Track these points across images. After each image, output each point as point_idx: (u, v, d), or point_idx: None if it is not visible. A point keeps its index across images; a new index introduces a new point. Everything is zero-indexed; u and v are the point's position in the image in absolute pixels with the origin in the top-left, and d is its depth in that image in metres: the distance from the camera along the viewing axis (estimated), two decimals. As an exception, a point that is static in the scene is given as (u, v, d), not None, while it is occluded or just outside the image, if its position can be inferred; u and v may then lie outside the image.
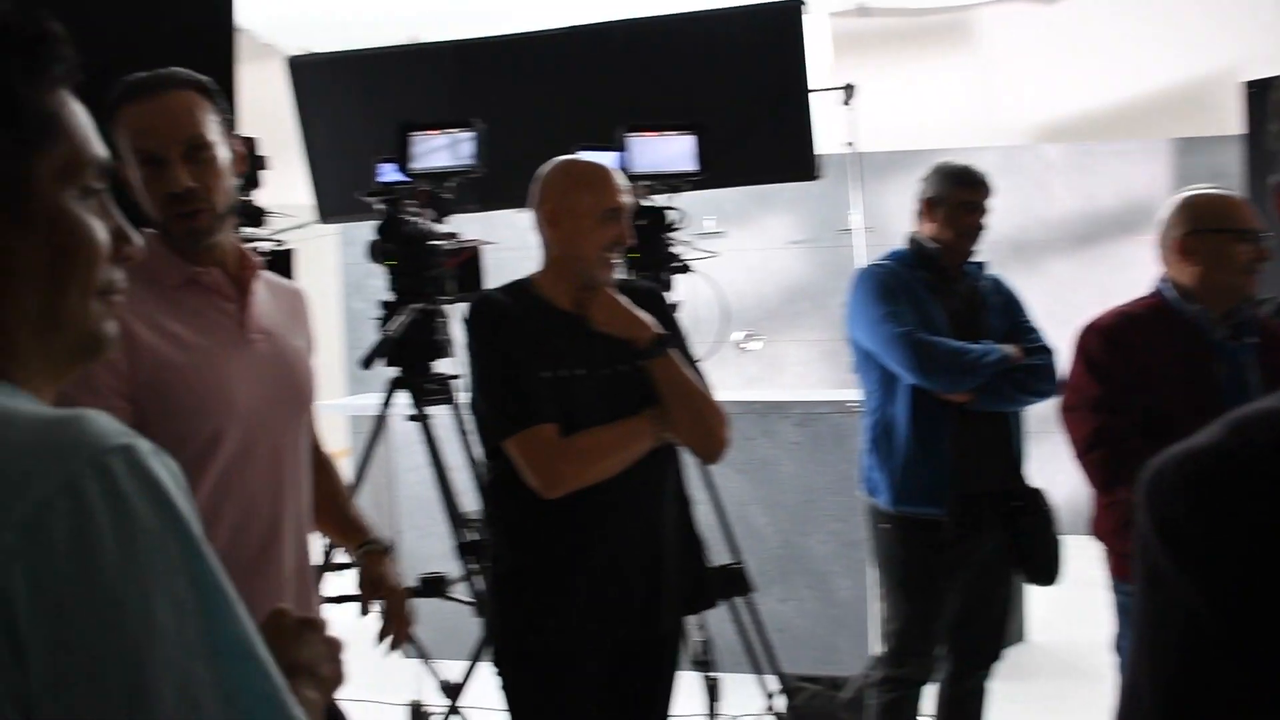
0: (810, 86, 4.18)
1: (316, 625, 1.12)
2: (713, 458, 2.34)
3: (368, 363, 2.82)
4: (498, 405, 2.20)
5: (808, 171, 4.20)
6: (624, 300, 2.22)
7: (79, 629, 0.72)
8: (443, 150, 3.12)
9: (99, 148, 0.92)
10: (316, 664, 1.08)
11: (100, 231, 0.91)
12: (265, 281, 1.92)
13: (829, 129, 4.45)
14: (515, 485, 2.17)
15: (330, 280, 6.59)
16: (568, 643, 2.24)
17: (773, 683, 3.54)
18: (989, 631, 3.20)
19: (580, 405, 2.19)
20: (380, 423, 3.13)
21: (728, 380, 6.71)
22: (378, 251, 3.07)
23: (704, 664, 3.45)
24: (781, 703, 3.54)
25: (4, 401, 0.82)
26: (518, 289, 2.30)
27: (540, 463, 2.14)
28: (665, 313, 2.35)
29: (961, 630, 3.16)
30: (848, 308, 3.22)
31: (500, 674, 2.30)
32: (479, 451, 2.42)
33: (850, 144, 4.58)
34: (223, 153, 1.78)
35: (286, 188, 4.52)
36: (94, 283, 0.91)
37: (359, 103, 4.23)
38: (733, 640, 3.75)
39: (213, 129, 1.76)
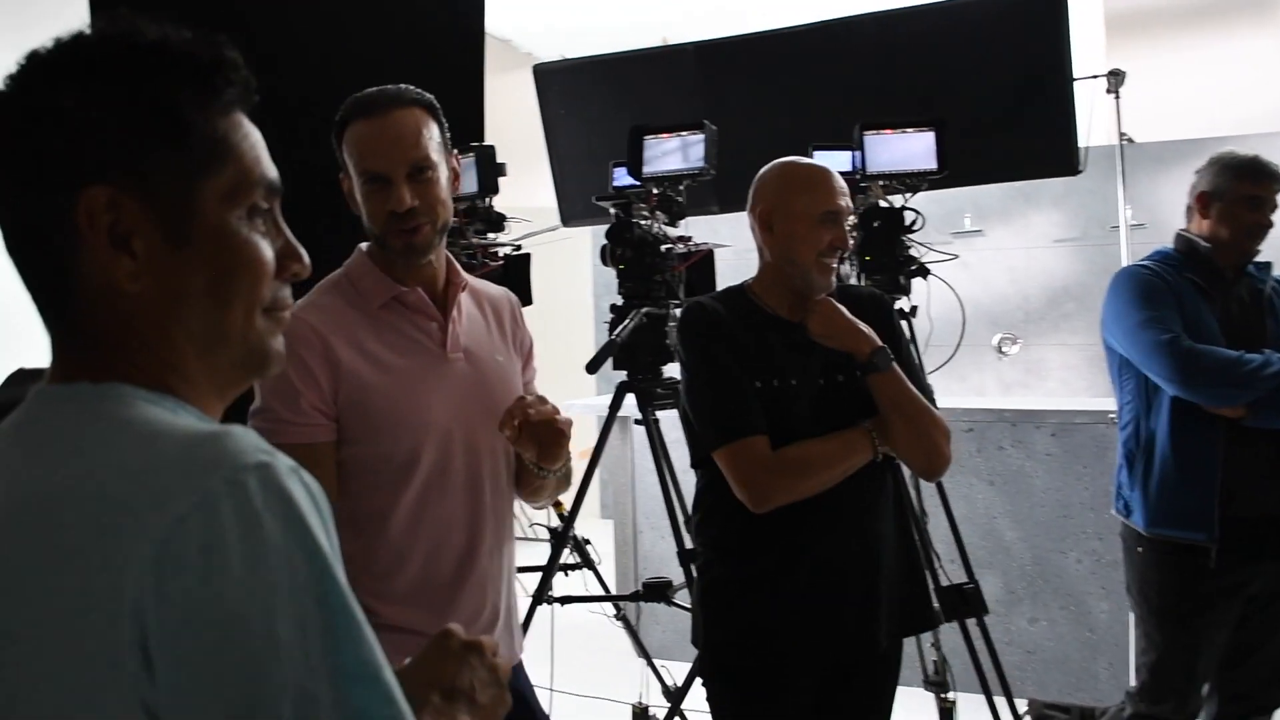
0: (1074, 74, 3.90)
1: (482, 650, 1.11)
2: (934, 474, 2.23)
3: (593, 367, 2.84)
4: (707, 416, 2.16)
5: (1069, 166, 3.92)
6: (843, 309, 2.13)
7: (203, 643, 0.74)
8: (674, 154, 3.11)
9: (269, 169, 0.95)
10: (477, 690, 1.09)
11: (266, 251, 0.93)
12: (472, 292, 1.94)
13: (1097, 119, 4.14)
14: (723, 495, 2.12)
15: (582, 282, 6.75)
16: (776, 661, 2.17)
17: (1016, 706, 3.32)
18: (1265, 675, 2.89)
19: (792, 417, 2.12)
20: (608, 425, 3.16)
21: (985, 385, 6.41)
22: (608, 255, 3.10)
23: (938, 685, 3.30)
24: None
25: (161, 416, 0.85)
26: (733, 295, 2.25)
27: (748, 476, 2.08)
28: (889, 320, 2.24)
29: (1231, 671, 2.87)
30: (1104, 312, 2.99)
31: (707, 687, 2.26)
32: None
33: (1124, 135, 4.25)
34: (443, 171, 1.81)
35: (536, 192, 4.67)
36: (258, 301, 0.93)
37: (602, 107, 4.29)
38: (971, 660, 3.58)
39: (435, 148, 1.80)
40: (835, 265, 2.17)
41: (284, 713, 0.74)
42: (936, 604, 2.87)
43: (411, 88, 1.84)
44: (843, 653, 2.17)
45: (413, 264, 1.81)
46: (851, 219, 2.22)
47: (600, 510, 6.74)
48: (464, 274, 1.91)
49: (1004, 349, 5.98)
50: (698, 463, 2.21)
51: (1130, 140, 4.36)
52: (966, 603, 2.84)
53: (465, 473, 1.84)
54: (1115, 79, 4.03)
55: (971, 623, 3.02)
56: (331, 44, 3.54)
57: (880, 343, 2.10)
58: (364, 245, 1.89)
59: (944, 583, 2.93)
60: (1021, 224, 6.36)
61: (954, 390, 6.25)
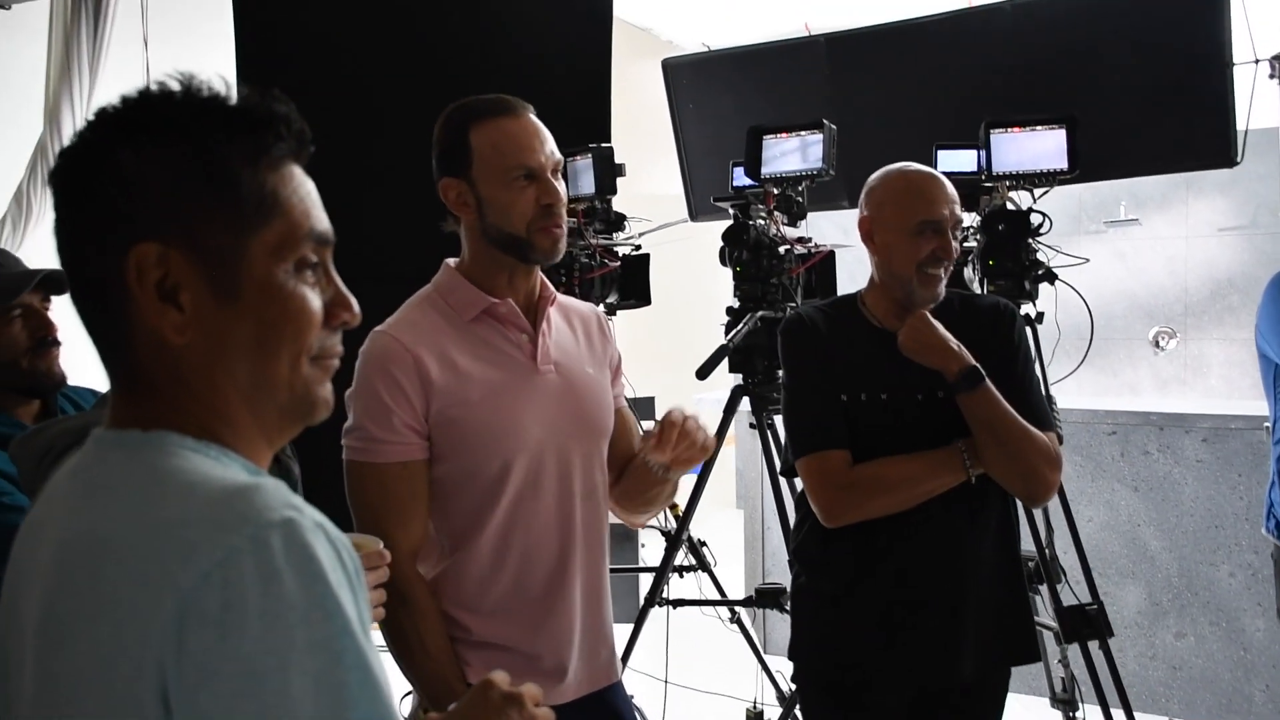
0: (1234, 59, 3.65)
1: (522, 702, 1.12)
2: (1034, 500, 2.11)
3: (703, 373, 2.82)
4: (792, 426, 2.14)
5: (1225, 157, 3.67)
6: (935, 325, 2.04)
7: (219, 696, 0.77)
8: (793, 154, 3.05)
9: (318, 221, 0.96)
10: None
11: (313, 302, 0.95)
12: (560, 307, 1.94)
13: (1263, 101, 3.87)
14: (810, 506, 2.10)
15: (717, 278, 6.72)
16: (859, 678, 2.12)
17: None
18: None
19: (881, 430, 2.06)
20: (722, 429, 3.13)
21: (1139, 381, 6.12)
22: (725, 257, 3.07)
23: (1066, 703, 3.17)
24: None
25: (201, 466, 0.88)
26: (841, 305, 2.21)
27: (820, 490, 2.05)
28: (1009, 332, 2.13)
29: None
30: (1259, 316, 2.81)
31: (801, 697, 2.24)
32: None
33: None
34: None
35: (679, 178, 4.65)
36: (305, 350, 0.94)
37: (731, 100, 4.25)
38: (1135, 676, 3.39)
39: None
40: (941, 275, 2.08)
41: None
42: (1056, 624, 2.76)
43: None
44: (923, 678, 2.10)
45: (553, 260, 1.82)
46: (967, 224, 2.12)
47: (735, 500, 6.72)
48: (552, 288, 1.92)
49: (1161, 343, 5.69)
50: (786, 471, 2.17)
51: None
52: (1089, 624, 2.71)
53: (557, 487, 1.83)
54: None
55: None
56: (465, 48, 3.61)
57: (971, 362, 2.00)
58: (451, 260, 1.90)
59: (1065, 602, 2.80)
60: (1182, 211, 6.03)
61: (1106, 386, 6.00)
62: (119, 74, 5.28)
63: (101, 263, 0.89)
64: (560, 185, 1.82)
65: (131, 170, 0.89)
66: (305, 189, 0.96)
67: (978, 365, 2.01)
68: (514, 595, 1.82)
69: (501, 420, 1.78)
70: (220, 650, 0.76)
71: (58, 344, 1.96)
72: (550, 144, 1.81)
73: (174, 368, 0.91)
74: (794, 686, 2.25)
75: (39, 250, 0.99)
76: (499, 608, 1.82)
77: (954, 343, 2.02)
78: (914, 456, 2.02)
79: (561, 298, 1.95)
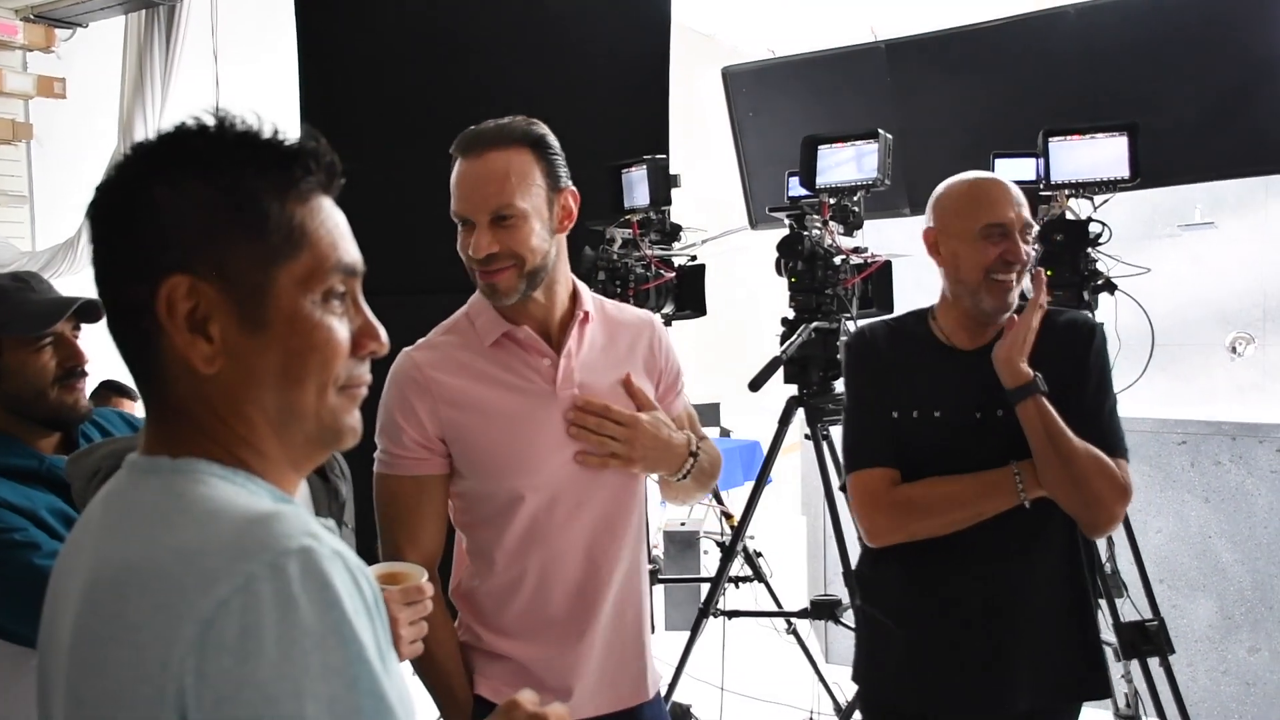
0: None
1: None
2: (1096, 530, 1.99)
3: (755, 384, 2.81)
4: (845, 443, 2.13)
5: (1296, 160, 3.59)
6: (1018, 336, 1.94)
7: None
8: (848, 163, 3.03)
9: (346, 253, 0.98)
10: None
11: (340, 333, 0.96)
12: (606, 321, 1.91)
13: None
14: None
15: (770, 290, 6.70)
16: (907, 704, 2.09)
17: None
18: None
19: (931, 449, 2.01)
20: (776, 441, 3.12)
21: (1215, 389, 5.96)
22: (780, 267, 3.06)
23: (1130, 718, 3.11)
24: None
25: (226, 494, 0.90)
26: (910, 320, 2.15)
27: (861, 509, 2.03)
28: (1086, 350, 2.02)
29: None
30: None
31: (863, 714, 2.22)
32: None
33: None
34: (535, 215, 1.75)
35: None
36: (331, 380, 0.96)
37: (791, 108, 4.23)
38: (1205, 692, 3.29)
39: (528, 192, 1.74)
40: (1011, 283, 1.98)
41: None
42: (1116, 641, 2.71)
43: (522, 121, 1.78)
44: (969, 711, 2.04)
45: (502, 305, 1.80)
46: (1034, 231, 2.05)
47: (800, 506, 6.69)
48: (598, 302, 1.89)
49: (1238, 349, 5.55)
50: (842, 487, 2.15)
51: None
52: (1149, 641, 2.64)
53: (578, 511, 1.82)
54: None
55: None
56: (523, 58, 3.64)
57: (1031, 375, 1.92)
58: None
59: (1125, 618, 2.74)
60: (1260, 215, 5.86)
61: (1180, 395, 5.85)
62: (190, 88, 5.42)
63: (134, 294, 0.92)
64: (522, 230, 1.74)
65: (165, 204, 0.91)
66: (334, 220, 0.98)
67: (1037, 375, 1.92)
68: (533, 613, 1.83)
69: (514, 447, 1.78)
70: (238, 675, 0.78)
71: (85, 375, 1.92)
72: (494, 191, 1.73)
73: (204, 396, 0.93)
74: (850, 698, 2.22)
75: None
76: (518, 625, 1.83)
77: (1015, 357, 1.94)
78: (962, 477, 1.96)
79: (612, 310, 1.93)
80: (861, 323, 2.33)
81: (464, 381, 1.80)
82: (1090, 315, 2.14)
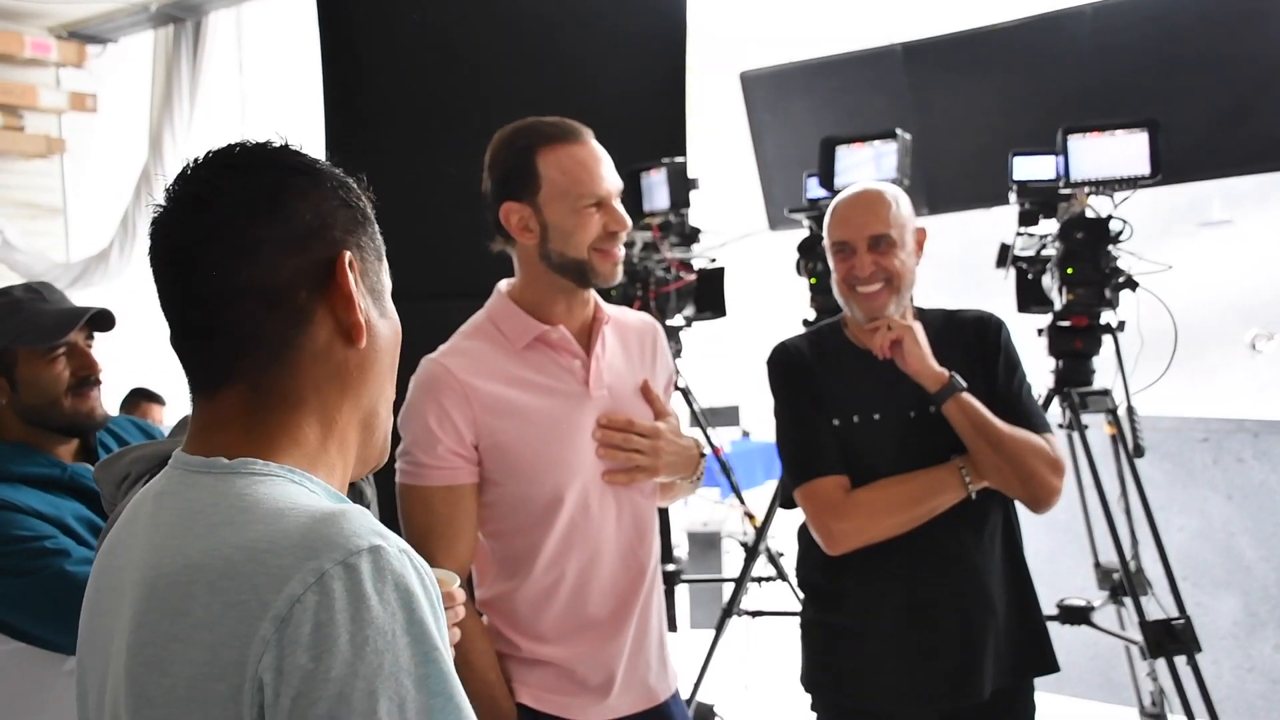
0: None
1: None
2: (1038, 504, 2.04)
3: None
4: (786, 457, 2.14)
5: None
6: (918, 339, 2.02)
7: (310, 718, 0.79)
8: (867, 164, 3.05)
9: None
10: None
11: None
12: (616, 325, 1.94)
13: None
14: (810, 537, 2.09)
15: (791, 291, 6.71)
16: (876, 706, 2.10)
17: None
18: None
19: (876, 453, 2.05)
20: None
21: (1237, 386, 5.95)
22: (800, 269, 3.09)
23: (1155, 717, 3.12)
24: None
25: (289, 493, 0.90)
26: (825, 331, 2.21)
27: (817, 519, 2.04)
28: (996, 342, 2.12)
29: None
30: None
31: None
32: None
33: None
34: None
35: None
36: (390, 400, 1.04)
37: (808, 111, 4.26)
38: (1231, 689, 3.29)
39: None
40: (875, 294, 2.05)
41: None
42: (1142, 640, 2.71)
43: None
44: (943, 701, 2.06)
45: (610, 282, 1.85)
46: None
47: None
48: (606, 308, 1.92)
49: (1258, 345, 5.53)
50: (785, 503, 2.16)
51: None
52: (1175, 639, 2.64)
53: (612, 510, 1.85)
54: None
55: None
56: (539, 62, 3.68)
57: (947, 375, 2.00)
58: (503, 286, 1.91)
59: (1150, 616, 2.75)
60: (1277, 210, 5.84)
61: (1200, 392, 5.84)
62: (216, 100, 5.50)
63: (293, 269, 0.93)
64: (622, 210, 1.84)
65: (312, 195, 0.96)
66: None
67: (953, 374, 2.00)
68: (571, 617, 1.84)
69: (553, 449, 1.79)
70: (313, 674, 0.79)
71: (99, 383, 1.93)
72: (612, 170, 1.84)
73: (317, 381, 0.95)
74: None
75: (146, 272, 1.05)
76: (556, 630, 1.83)
77: (929, 355, 2.02)
78: (912, 476, 2.02)
79: (615, 313, 1.96)
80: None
81: (500, 387, 1.80)
82: (991, 313, 2.20)
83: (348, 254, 0.95)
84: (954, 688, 2.05)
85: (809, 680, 2.19)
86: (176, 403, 4.07)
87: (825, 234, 2.14)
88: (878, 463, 2.04)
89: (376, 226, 1.01)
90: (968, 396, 2.00)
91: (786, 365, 2.16)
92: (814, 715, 2.21)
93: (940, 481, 2.01)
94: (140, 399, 4.54)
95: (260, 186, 0.94)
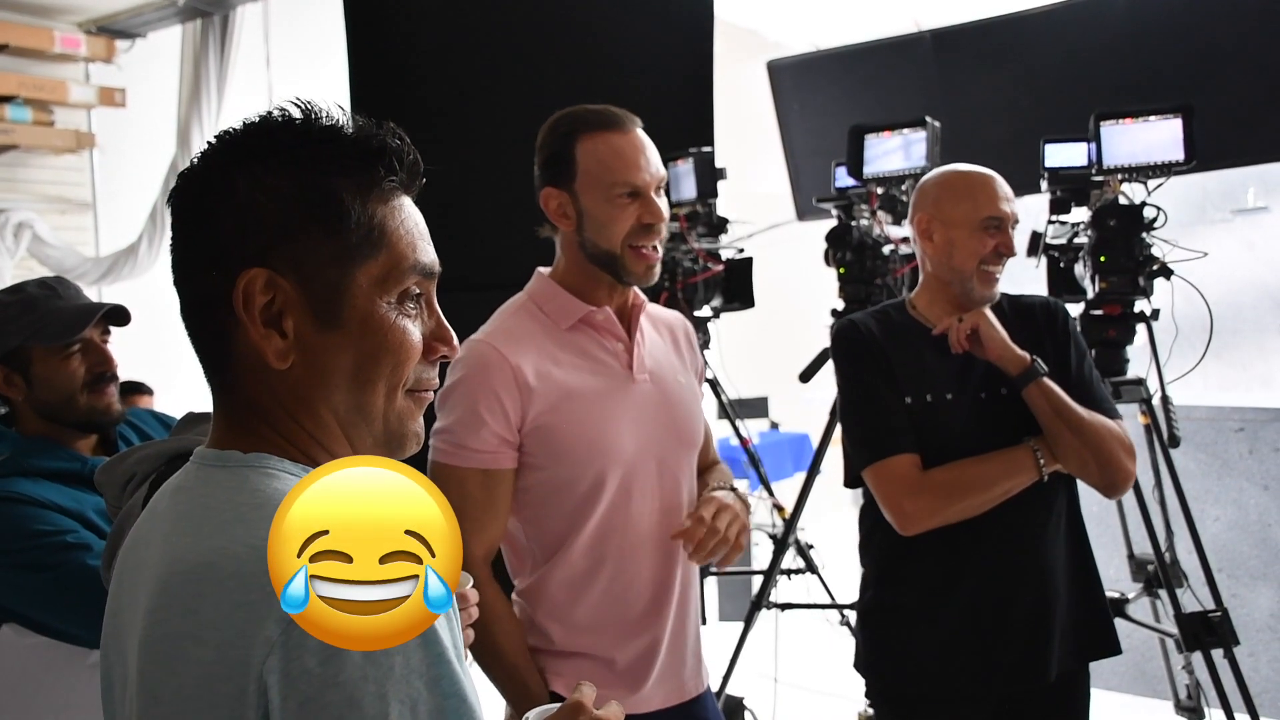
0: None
1: None
2: (1113, 490, 2.05)
3: (806, 376, 2.82)
4: (855, 435, 2.10)
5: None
6: (994, 322, 2.03)
7: None
8: (896, 152, 3.03)
9: (424, 254, 0.97)
10: None
11: (413, 335, 0.96)
12: (650, 316, 1.93)
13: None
14: (881, 517, 2.05)
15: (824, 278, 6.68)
16: (940, 691, 2.08)
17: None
18: None
19: (948, 432, 2.03)
20: (827, 434, 3.13)
21: (1272, 374, 5.86)
22: (829, 258, 3.07)
23: (1191, 710, 3.08)
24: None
25: None
26: (890, 311, 2.19)
27: (892, 498, 2.01)
28: (1063, 330, 2.13)
29: None
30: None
31: (875, 712, 2.20)
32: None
33: None
34: None
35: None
36: (401, 383, 0.96)
37: (836, 99, 4.23)
38: (1269, 682, 3.24)
39: None
40: (998, 275, 2.09)
41: None
42: (1178, 633, 2.68)
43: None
44: (1011, 684, 2.05)
45: (646, 283, 1.83)
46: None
47: (851, 498, 6.67)
48: (643, 296, 1.91)
49: (1297, 335, 5.46)
50: (850, 482, 2.13)
51: None
52: (1212, 632, 2.60)
53: (651, 497, 1.82)
54: None
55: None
56: (567, 53, 3.67)
57: (1029, 359, 2.00)
58: (544, 269, 1.90)
59: (1186, 608, 2.71)
60: (1317, 197, 5.75)
61: (1235, 381, 5.77)
62: (244, 93, 5.53)
63: (210, 285, 0.91)
64: (663, 203, 1.81)
65: (245, 197, 0.90)
66: (413, 221, 0.97)
67: (1034, 358, 2.00)
68: (606, 607, 1.82)
69: (598, 430, 1.77)
70: (321, 676, 0.78)
71: (115, 379, 1.93)
72: (656, 161, 1.81)
73: (275, 392, 0.93)
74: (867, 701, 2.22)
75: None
76: (590, 620, 1.81)
77: (1008, 339, 2.02)
78: (987, 457, 2.00)
79: (651, 308, 1.94)
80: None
81: (548, 367, 1.78)
82: (1055, 299, 2.21)
83: (258, 276, 0.90)
84: (1022, 670, 2.05)
85: (866, 665, 2.18)
86: (173, 394, 4.05)
87: (951, 206, 2.08)
88: (948, 443, 2.03)
89: (354, 215, 0.92)
90: (1049, 381, 2.00)
91: (856, 341, 2.13)
92: (846, 704, 2.19)
93: (1016, 463, 2.00)
94: (128, 391, 4.55)
95: (197, 186, 0.93)
